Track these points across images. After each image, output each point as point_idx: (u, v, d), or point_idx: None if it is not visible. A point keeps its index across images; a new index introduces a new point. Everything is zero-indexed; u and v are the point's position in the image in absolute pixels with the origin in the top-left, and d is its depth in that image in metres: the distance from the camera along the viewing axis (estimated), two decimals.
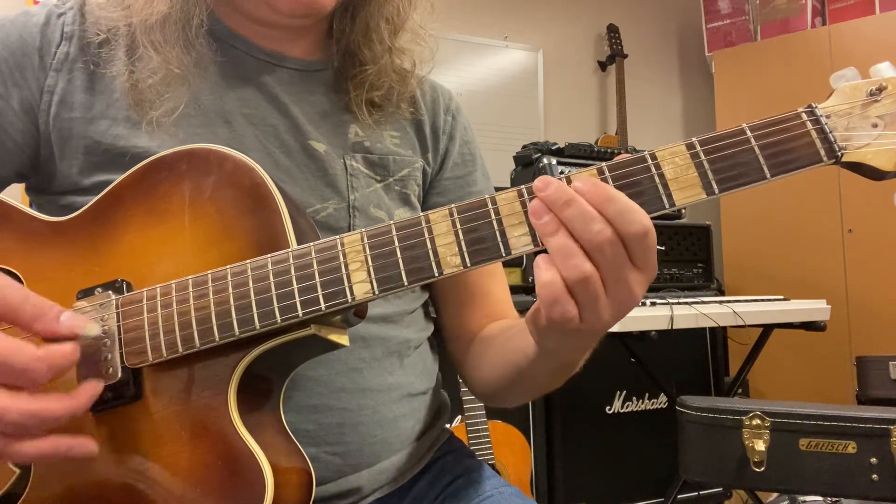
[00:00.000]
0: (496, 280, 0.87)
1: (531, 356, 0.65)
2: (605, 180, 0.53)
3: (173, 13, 0.70)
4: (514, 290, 2.14)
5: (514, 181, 2.50)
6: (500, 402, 0.84)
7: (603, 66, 3.81)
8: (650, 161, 0.53)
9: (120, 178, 0.65)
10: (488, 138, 3.10)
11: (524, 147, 2.44)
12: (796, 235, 3.29)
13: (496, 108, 3.39)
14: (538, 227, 0.52)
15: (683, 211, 2.46)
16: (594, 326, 0.53)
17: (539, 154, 2.35)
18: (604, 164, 0.54)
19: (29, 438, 0.52)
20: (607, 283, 0.51)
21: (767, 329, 2.29)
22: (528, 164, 2.38)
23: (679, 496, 2.18)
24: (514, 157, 2.46)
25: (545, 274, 0.51)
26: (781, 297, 2.33)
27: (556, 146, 2.39)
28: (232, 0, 0.76)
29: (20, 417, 0.50)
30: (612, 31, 3.73)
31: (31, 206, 0.73)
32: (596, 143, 3.58)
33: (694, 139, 0.53)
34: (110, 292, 0.60)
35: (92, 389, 0.54)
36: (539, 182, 0.52)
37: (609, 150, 2.49)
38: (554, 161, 2.32)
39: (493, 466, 1.73)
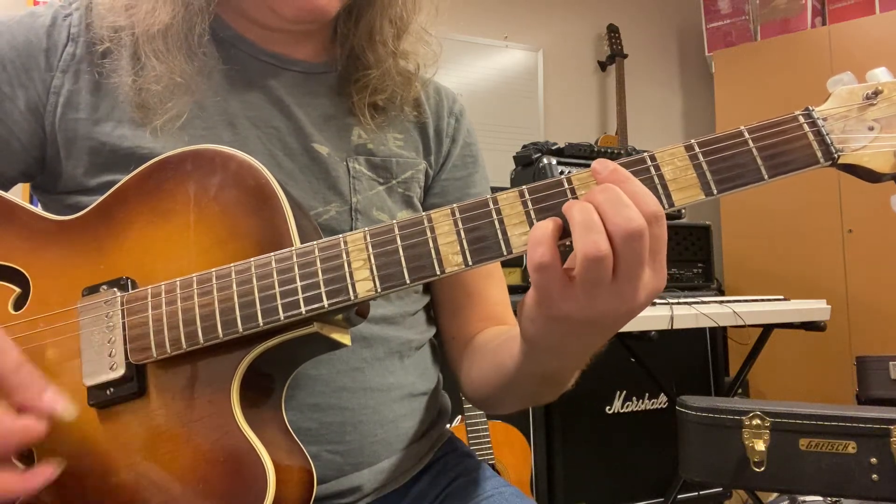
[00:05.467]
0: (494, 283, 0.87)
1: (517, 358, 0.64)
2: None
3: (175, 23, 0.70)
4: (514, 290, 2.14)
5: (514, 181, 2.50)
6: (490, 408, 0.83)
7: (603, 66, 3.81)
8: (650, 162, 0.54)
9: (125, 178, 0.65)
10: (488, 138, 3.10)
11: (524, 147, 2.44)
12: (796, 235, 3.29)
13: (496, 108, 3.40)
14: (566, 204, 0.51)
15: (683, 211, 2.46)
16: (583, 312, 0.52)
17: (539, 154, 2.35)
18: None
19: None
20: (620, 274, 0.50)
21: (767, 329, 2.29)
22: (528, 164, 2.39)
23: (679, 496, 2.19)
24: (514, 157, 2.46)
25: (542, 223, 0.51)
26: (781, 297, 2.33)
27: (556, 146, 2.40)
28: (237, 4, 0.76)
29: None
30: (612, 31, 3.74)
31: (31, 201, 0.73)
32: (596, 143, 3.59)
33: (693, 141, 0.54)
34: (115, 289, 0.60)
35: (46, 474, 0.54)
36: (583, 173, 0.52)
37: (609, 150, 2.50)
38: (554, 161, 2.32)
39: (493, 466, 1.74)
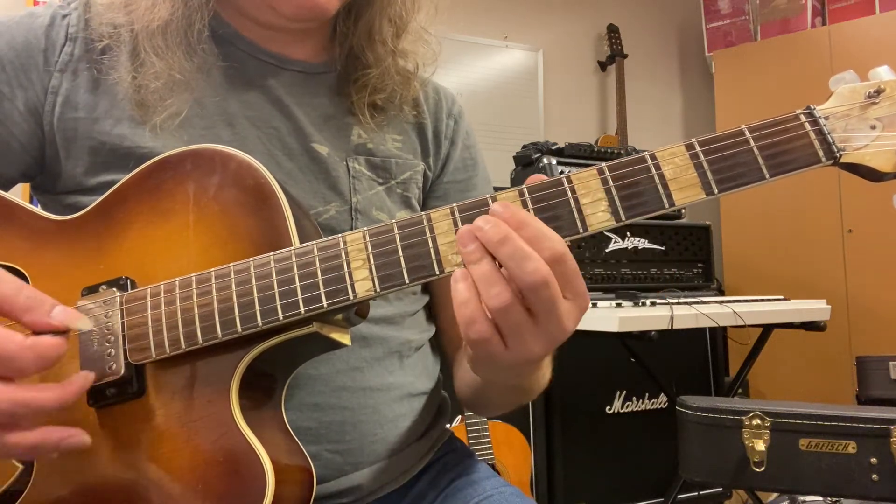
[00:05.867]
0: None
1: (480, 378, 0.66)
2: (605, 180, 0.54)
3: (175, 19, 0.71)
4: None
5: (514, 181, 2.50)
6: (477, 411, 0.86)
7: (603, 66, 3.81)
8: (650, 161, 0.53)
9: (125, 177, 0.65)
10: (488, 138, 3.10)
11: (524, 147, 2.44)
12: (796, 235, 3.29)
13: (496, 108, 3.40)
14: (463, 255, 0.51)
15: (683, 211, 2.46)
16: (521, 356, 0.52)
17: (539, 154, 2.35)
18: (604, 164, 0.54)
19: (20, 430, 0.51)
20: (539, 318, 0.51)
21: (767, 329, 2.29)
22: (528, 164, 2.38)
23: (679, 496, 2.18)
24: (514, 157, 2.46)
25: (462, 293, 0.51)
26: (781, 297, 2.33)
27: (556, 146, 2.40)
28: (236, 3, 0.76)
29: (9, 406, 0.49)
30: (612, 31, 3.74)
31: (32, 201, 0.73)
32: (596, 143, 3.59)
33: (693, 140, 0.54)
34: (114, 289, 0.60)
35: (84, 380, 0.54)
36: (480, 220, 0.51)
37: (609, 150, 2.50)
38: (554, 161, 2.32)
39: (493, 466, 1.74)
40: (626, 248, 2.29)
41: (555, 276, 0.50)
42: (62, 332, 0.53)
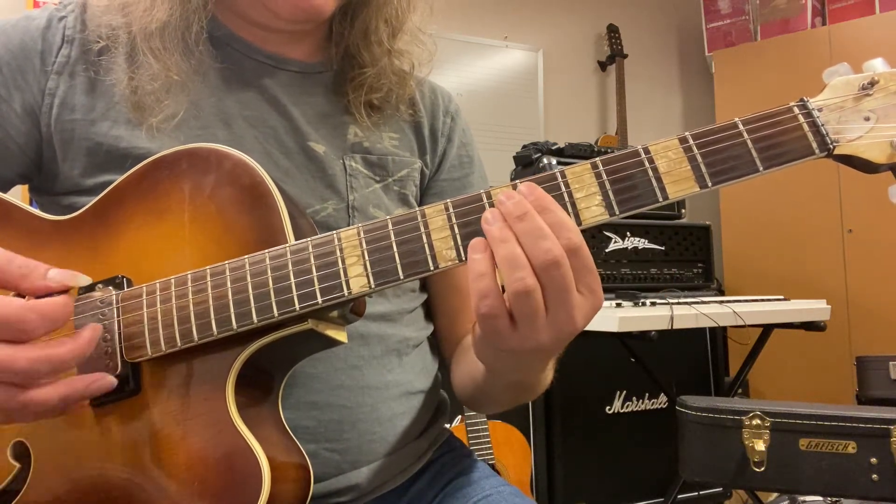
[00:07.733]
0: None
1: (482, 369, 0.66)
2: (598, 174, 0.54)
3: (172, 20, 0.71)
4: None
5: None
6: (475, 408, 0.86)
7: (603, 66, 3.82)
8: (643, 155, 0.53)
9: (121, 177, 0.65)
10: (488, 138, 3.10)
11: (524, 147, 2.44)
12: (796, 235, 3.29)
13: (496, 108, 3.40)
14: (487, 233, 0.52)
15: (683, 211, 2.46)
16: (527, 344, 0.53)
17: (539, 154, 2.35)
18: (598, 158, 0.54)
19: (44, 386, 0.51)
20: (549, 303, 0.51)
21: (767, 329, 2.29)
22: (528, 164, 2.38)
23: (679, 496, 2.18)
24: (514, 157, 2.46)
25: (480, 266, 0.51)
26: (781, 297, 2.33)
27: (556, 146, 2.40)
28: (233, 5, 0.76)
29: (29, 364, 0.49)
30: (612, 31, 3.74)
31: (31, 203, 0.73)
32: (596, 143, 3.59)
33: (687, 133, 0.54)
34: (110, 288, 0.60)
35: (92, 331, 0.54)
36: (502, 195, 0.52)
37: (609, 150, 2.50)
38: (554, 161, 2.32)
39: (493, 466, 1.74)
40: (626, 248, 2.29)
41: (574, 266, 0.50)
42: (62, 293, 0.53)
